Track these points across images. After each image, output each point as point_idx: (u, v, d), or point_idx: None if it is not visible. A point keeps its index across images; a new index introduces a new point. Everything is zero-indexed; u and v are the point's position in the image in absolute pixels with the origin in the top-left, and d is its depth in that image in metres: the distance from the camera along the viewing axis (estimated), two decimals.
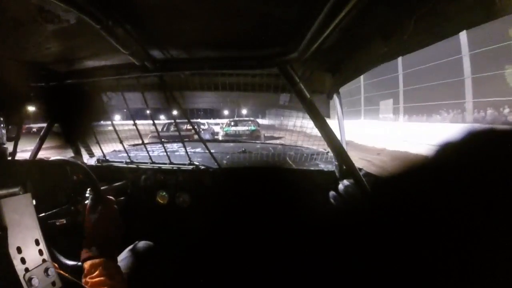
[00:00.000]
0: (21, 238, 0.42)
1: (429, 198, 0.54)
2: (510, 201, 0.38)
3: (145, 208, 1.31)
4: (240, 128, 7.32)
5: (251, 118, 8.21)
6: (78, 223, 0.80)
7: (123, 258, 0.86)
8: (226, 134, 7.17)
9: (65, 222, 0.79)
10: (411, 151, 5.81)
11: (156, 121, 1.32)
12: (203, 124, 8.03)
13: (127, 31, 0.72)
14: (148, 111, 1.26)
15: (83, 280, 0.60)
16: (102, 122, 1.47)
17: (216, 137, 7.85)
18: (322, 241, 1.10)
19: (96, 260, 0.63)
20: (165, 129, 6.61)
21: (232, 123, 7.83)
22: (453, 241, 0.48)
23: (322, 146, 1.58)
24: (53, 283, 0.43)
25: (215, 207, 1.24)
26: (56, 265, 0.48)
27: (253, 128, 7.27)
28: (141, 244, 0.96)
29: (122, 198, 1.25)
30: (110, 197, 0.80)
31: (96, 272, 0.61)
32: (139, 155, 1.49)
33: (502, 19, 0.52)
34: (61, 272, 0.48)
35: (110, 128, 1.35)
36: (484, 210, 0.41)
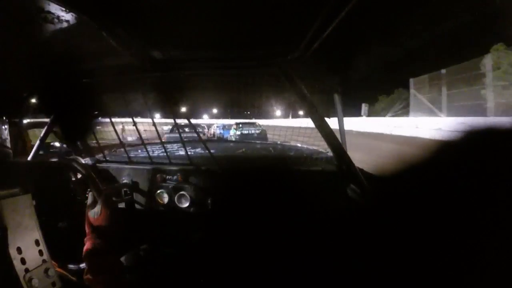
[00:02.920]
0: (21, 238, 0.42)
1: (429, 197, 0.54)
2: (510, 200, 0.38)
3: (144, 209, 1.31)
4: (251, 129, 8.10)
5: (255, 120, 8.68)
6: (79, 224, 0.80)
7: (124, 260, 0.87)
8: (242, 134, 7.89)
9: (66, 224, 0.79)
10: None
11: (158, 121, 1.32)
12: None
13: (127, 31, 0.72)
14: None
15: (85, 277, 0.60)
16: (102, 122, 1.47)
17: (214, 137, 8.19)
18: (322, 241, 1.10)
19: (97, 255, 0.63)
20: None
21: (241, 125, 8.53)
22: (453, 240, 0.48)
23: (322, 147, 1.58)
24: (53, 284, 0.43)
25: (215, 208, 1.24)
26: (56, 264, 0.48)
27: (261, 129, 7.95)
28: (142, 247, 0.96)
29: (121, 198, 1.25)
30: (109, 192, 0.79)
31: (97, 267, 0.60)
32: (139, 155, 1.49)
33: None
34: (62, 271, 0.48)
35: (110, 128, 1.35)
36: (484, 209, 0.41)
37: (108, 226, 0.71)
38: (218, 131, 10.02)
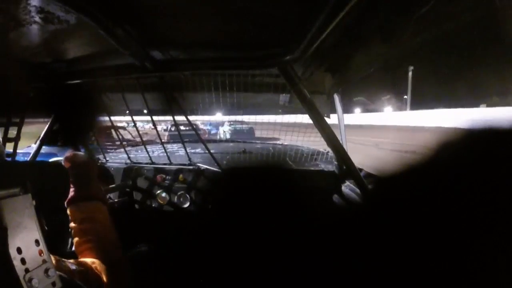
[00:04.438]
0: (21, 238, 0.42)
1: (430, 198, 0.53)
2: (510, 200, 0.38)
3: (145, 209, 1.31)
4: (241, 126, 9.35)
5: (244, 118, 9.71)
6: None
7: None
8: (234, 129, 9.04)
9: (66, 224, 0.79)
10: None
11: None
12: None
13: (127, 31, 0.72)
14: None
15: (70, 225, 0.57)
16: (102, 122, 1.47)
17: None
18: (322, 242, 1.09)
19: (80, 203, 0.61)
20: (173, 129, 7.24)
21: (232, 122, 9.70)
22: (454, 241, 0.48)
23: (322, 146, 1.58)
24: (53, 284, 0.43)
25: (215, 208, 1.24)
26: (56, 258, 0.49)
27: (249, 126, 9.00)
28: (142, 247, 0.96)
29: (122, 198, 1.25)
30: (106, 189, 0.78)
31: (80, 216, 0.58)
32: (139, 156, 1.49)
33: None
34: (61, 270, 0.48)
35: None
36: (485, 209, 0.41)
37: (90, 176, 0.70)
38: (205, 127, 10.92)
